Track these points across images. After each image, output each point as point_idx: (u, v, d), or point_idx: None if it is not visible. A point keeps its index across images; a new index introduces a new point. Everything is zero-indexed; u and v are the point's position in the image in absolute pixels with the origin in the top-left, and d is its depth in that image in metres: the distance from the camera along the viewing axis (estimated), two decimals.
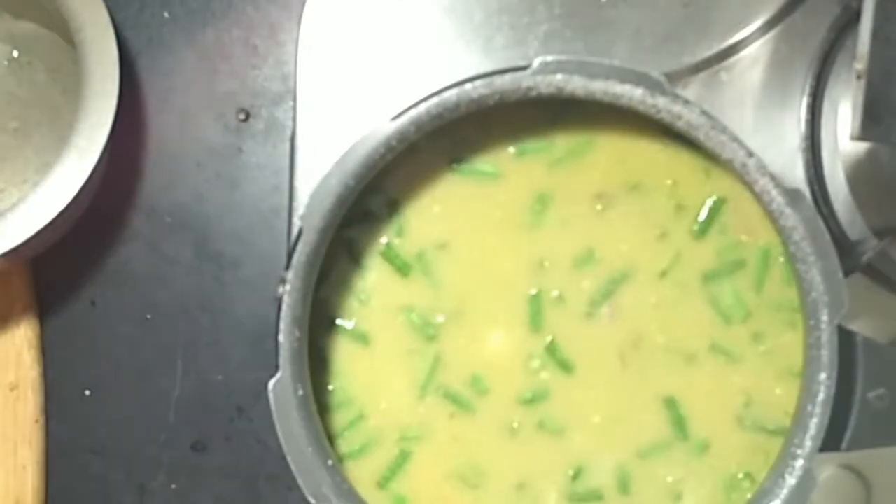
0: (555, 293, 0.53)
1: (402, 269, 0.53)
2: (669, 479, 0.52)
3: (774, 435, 0.52)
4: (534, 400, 0.53)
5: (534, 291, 0.53)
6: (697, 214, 0.52)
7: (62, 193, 0.53)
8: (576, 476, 0.53)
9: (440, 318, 0.53)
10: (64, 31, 0.55)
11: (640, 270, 0.52)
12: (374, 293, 0.53)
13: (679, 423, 0.52)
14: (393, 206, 0.53)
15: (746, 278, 0.52)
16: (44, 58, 0.59)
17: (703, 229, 0.52)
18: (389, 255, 0.53)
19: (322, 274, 0.51)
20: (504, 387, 0.53)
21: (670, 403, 0.52)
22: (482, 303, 0.53)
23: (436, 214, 0.53)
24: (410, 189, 0.53)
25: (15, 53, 0.59)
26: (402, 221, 0.53)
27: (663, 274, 0.52)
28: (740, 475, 0.52)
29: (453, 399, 0.53)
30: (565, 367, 0.52)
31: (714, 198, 0.52)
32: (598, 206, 0.53)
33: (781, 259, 0.52)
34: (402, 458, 0.53)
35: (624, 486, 0.52)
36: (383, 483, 0.53)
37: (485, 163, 0.53)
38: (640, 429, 0.53)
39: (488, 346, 0.53)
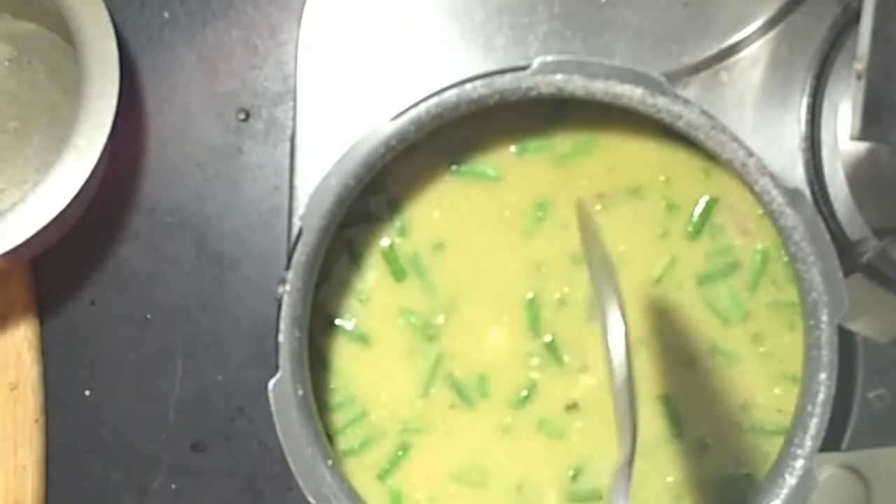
0: (553, 294, 0.53)
1: (398, 273, 0.53)
2: (669, 478, 0.52)
3: (774, 435, 0.52)
4: (533, 400, 0.53)
5: (533, 292, 0.53)
6: (692, 215, 0.52)
7: (62, 193, 0.53)
8: (575, 476, 0.53)
9: (440, 319, 0.53)
10: (64, 31, 0.55)
11: (639, 270, 0.52)
12: (374, 293, 0.53)
13: (677, 423, 0.52)
14: (393, 207, 0.53)
15: (741, 279, 0.52)
16: (44, 58, 0.59)
17: (697, 230, 0.52)
18: (390, 257, 0.53)
19: (322, 274, 0.51)
20: (504, 387, 0.53)
21: (669, 403, 0.52)
22: (482, 303, 0.53)
23: (437, 216, 0.53)
24: (411, 189, 0.53)
25: (15, 53, 0.59)
26: (404, 222, 0.53)
27: (661, 274, 0.52)
28: (739, 475, 0.52)
29: (455, 395, 0.53)
30: (564, 367, 0.52)
31: (707, 198, 0.52)
32: (598, 206, 0.53)
33: (780, 260, 0.52)
34: (403, 450, 0.53)
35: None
36: (383, 476, 0.53)
37: (485, 164, 0.53)
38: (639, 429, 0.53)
39: (488, 347, 0.53)
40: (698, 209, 0.52)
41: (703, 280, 0.52)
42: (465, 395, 0.53)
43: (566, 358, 0.53)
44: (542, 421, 0.53)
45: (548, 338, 0.52)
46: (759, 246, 0.52)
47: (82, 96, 0.53)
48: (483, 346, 0.53)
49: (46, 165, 0.57)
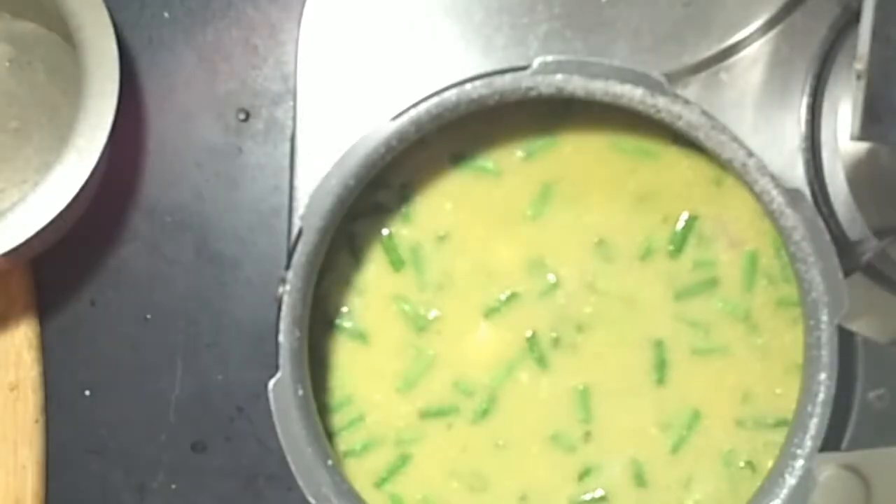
0: (552, 290, 0.53)
1: (396, 263, 0.53)
2: (678, 474, 0.52)
3: (775, 428, 0.52)
4: (533, 400, 0.53)
5: (532, 288, 0.53)
6: (676, 222, 0.53)
7: (62, 193, 0.53)
8: (581, 478, 0.53)
9: (436, 313, 0.53)
10: (64, 31, 0.55)
11: (638, 270, 0.53)
12: (373, 286, 0.53)
13: (681, 416, 0.52)
14: (404, 196, 0.53)
15: (731, 285, 0.52)
16: (44, 58, 0.59)
17: (678, 247, 0.52)
18: (388, 246, 0.53)
19: (322, 271, 0.51)
20: (503, 386, 0.53)
21: (670, 398, 0.52)
22: (480, 297, 0.53)
23: (445, 209, 0.53)
24: (422, 180, 0.53)
25: (15, 53, 0.59)
26: (410, 211, 0.53)
27: (659, 273, 0.53)
28: (741, 464, 0.52)
29: (449, 397, 0.53)
30: (567, 363, 0.53)
31: (687, 215, 0.52)
32: (600, 207, 0.53)
33: (772, 257, 0.52)
34: (401, 460, 0.53)
35: (632, 482, 0.53)
36: (380, 484, 0.53)
37: (488, 160, 0.53)
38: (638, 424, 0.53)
39: (485, 343, 0.53)
40: (680, 224, 0.52)
41: (690, 291, 0.52)
42: (461, 395, 0.53)
43: (565, 355, 0.53)
44: (542, 422, 0.53)
45: (552, 334, 0.53)
46: (747, 248, 0.52)
47: (82, 96, 0.53)
48: (480, 343, 0.53)
49: (46, 165, 0.57)
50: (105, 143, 0.53)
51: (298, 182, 0.54)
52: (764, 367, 0.52)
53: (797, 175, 0.54)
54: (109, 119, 0.53)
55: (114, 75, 0.53)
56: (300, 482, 0.49)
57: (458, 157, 0.53)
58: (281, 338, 0.49)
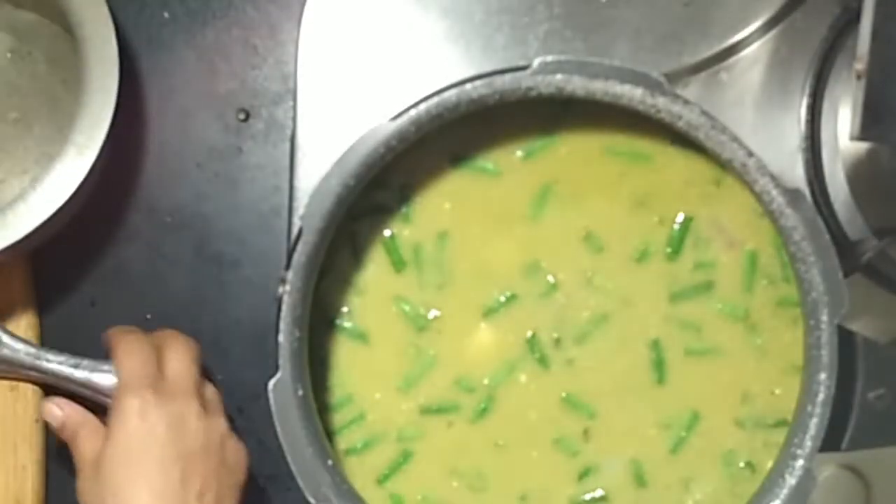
0: (552, 291, 0.53)
1: (397, 263, 0.53)
2: (677, 474, 0.53)
3: (774, 428, 0.52)
4: (533, 401, 0.53)
5: (531, 289, 0.53)
6: (672, 224, 0.53)
7: (61, 191, 0.53)
8: (581, 478, 0.53)
9: (434, 311, 0.53)
10: (64, 22, 0.55)
11: (636, 271, 0.53)
12: (374, 288, 0.53)
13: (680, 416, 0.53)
14: (404, 197, 0.53)
15: (730, 286, 0.52)
16: (44, 48, 0.59)
17: (676, 249, 0.52)
18: (390, 247, 0.53)
19: (322, 270, 0.51)
20: (502, 386, 0.53)
21: (670, 398, 0.53)
22: (479, 297, 0.53)
23: (445, 209, 0.53)
24: (421, 180, 0.53)
25: (16, 44, 0.59)
26: (410, 211, 0.53)
27: (658, 275, 0.53)
28: (741, 464, 0.52)
29: (449, 395, 0.53)
30: (566, 363, 0.53)
31: (683, 216, 0.52)
32: (597, 209, 0.53)
33: (772, 257, 0.52)
34: (403, 457, 0.53)
35: (629, 484, 0.53)
36: (382, 481, 0.53)
37: (488, 160, 0.53)
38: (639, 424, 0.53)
39: (485, 343, 0.53)
40: (675, 226, 0.52)
41: (680, 296, 0.53)
42: (463, 391, 0.53)
43: (565, 353, 0.53)
44: (543, 420, 0.53)
45: (554, 333, 0.53)
46: (747, 248, 0.52)
47: (83, 92, 0.53)
48: (480, 341, 0.53)
49: (46, 156, 0.57)
50: (104, 139, 0.53)
51: (298, 182, 0.54)
52: (763, 368, 0.52)
53: (797, 175, 0.54)
54: (109, 115, 0.53)
55: (113, 71, 0.53)
56: (300, 482, 0.49)
57: (458, 158, 0.53)
58: (281, 338, 0.49)
